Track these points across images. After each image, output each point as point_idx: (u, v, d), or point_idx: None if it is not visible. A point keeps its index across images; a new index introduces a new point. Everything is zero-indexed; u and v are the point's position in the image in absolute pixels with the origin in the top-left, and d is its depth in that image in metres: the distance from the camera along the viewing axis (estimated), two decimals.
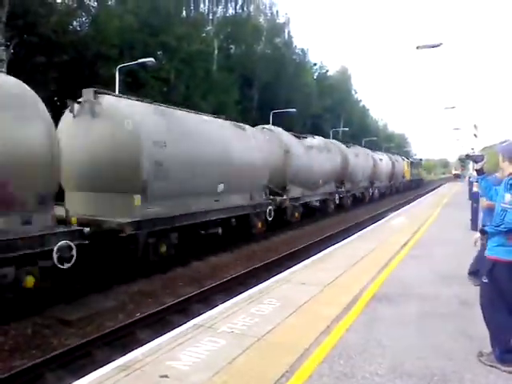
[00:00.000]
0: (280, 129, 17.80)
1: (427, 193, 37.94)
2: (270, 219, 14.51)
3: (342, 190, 23.36)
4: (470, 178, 23.44)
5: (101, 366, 4.05)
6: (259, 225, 13.97)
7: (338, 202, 22.42)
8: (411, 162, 53.13)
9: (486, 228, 3.97)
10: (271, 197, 15.15)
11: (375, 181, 31.63)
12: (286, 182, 16.41)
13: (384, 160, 35.15)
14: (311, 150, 18.95)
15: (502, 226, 3.82)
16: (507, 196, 3.88)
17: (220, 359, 4.01)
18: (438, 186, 52.26)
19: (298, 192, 17.36)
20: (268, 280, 7.16)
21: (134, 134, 9.13)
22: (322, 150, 20.36)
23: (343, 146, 25.27)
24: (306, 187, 18.09)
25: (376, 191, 31.92)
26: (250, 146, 13.65)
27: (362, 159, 27.76)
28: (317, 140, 20.96)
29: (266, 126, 17.58)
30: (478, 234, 4.32)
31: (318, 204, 19.88)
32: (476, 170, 4.76)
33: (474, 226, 12.76)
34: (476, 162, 4.78)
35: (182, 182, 10.15)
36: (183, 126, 10.75)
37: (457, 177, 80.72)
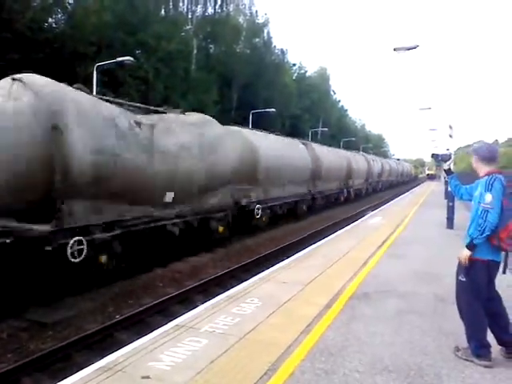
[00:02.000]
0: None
1: (405, 191, 38.57)
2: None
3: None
4: (445, 177, 23.91)
5: (81, 369, 4.00)
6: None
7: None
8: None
9: (475, 241, 3.94)
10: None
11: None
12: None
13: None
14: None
15: (487, 229, 3.88)
16: (488, 196, 3.95)
17: (202, 359, 4.01)
18: (416, 186, 53.34)
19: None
20: (249, 279, 7.18)
21: None
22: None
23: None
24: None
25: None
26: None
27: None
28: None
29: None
30: (466, 252, 4.01)
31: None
32: (444, 170, 4.90)
33: (450, 224, 13.09)
34: (444, 161, 4.92)
35: None
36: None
37: (431, 177, 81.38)
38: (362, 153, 41.11)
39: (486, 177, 4.05)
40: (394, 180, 55.43)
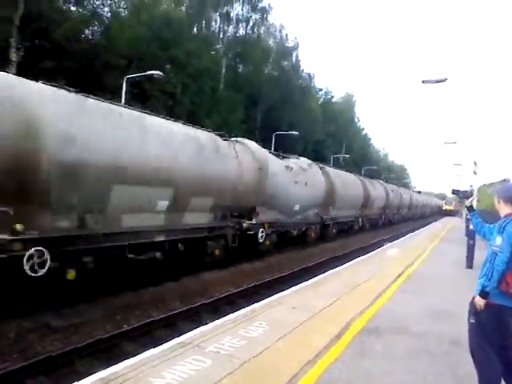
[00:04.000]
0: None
1: (423, 226, 37.94)
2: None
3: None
4: (467, 214, 23.45)
5: (83, 377, 3.97)
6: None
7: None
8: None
9: (487, 289, 3.82)
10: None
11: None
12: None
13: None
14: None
15: (495, 273, 3.77)
16: (498, 239, 3.87)
17: (205, 380, 3.94)
18: (434, 221, 52.23)
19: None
20: (259, 302, 7.09)
21: None
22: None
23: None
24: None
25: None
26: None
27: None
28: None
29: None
30: (481, 301, 3.86)
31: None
32: (466, 207, 4.79)
33: (470, 264, 12.74)
34: (466, 198, 4.82)
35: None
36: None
37: (448, 214, 71.74)
38: (381, 181, 39.23)
39: (504, 219, 3.95)
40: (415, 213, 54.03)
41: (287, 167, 15.75)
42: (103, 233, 7.97)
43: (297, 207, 16.48)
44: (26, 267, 6.67)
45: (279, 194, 14.61)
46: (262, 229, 13.93)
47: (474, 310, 3.95)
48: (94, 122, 7.67)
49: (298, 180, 16.22)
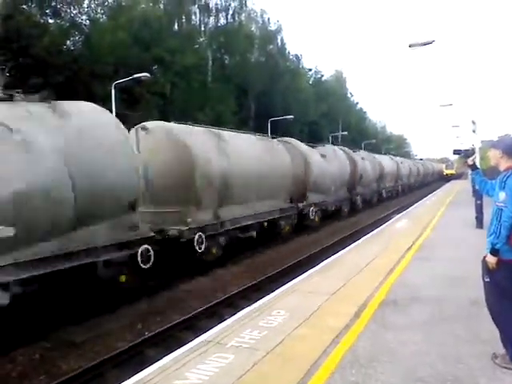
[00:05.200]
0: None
1: (432, 192, 37.86)
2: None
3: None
4: (471, 174, 23.34)
5: None
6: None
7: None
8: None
9: (497, 246, 3.77)
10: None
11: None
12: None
13: None
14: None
15: (503, 230, 3.73)
16: (501, 194, 3.82)
17: (229, 375, 3.94)
18: (442, 185, 51.66)
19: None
20: (274, 291, 7.09)
21: None
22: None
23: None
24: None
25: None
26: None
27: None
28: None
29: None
30: (492, 258, 3.83)
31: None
32: (469, 166, 4.71)
33: (479, 224, 12.70)
34: (467, 156, 4.74)
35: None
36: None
37: (450, 177, 64.40)
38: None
39: (504, 173, 3.89)
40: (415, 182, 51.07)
41: (323, 156, 19.37)
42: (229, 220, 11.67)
43: (333, 188, 20.00)
44: (196, 247, 10.02)
45: (320, 179, 18.10)
46: (312, 208, 17.24)
47: (486, 269, 3.94)
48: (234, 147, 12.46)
49: (331, 165, 19.88)
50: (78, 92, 21.75)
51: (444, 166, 77.00)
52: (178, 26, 36.53)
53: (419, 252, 9.63)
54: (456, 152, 17.02)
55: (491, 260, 3.84)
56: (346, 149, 25.37)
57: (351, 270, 8.06)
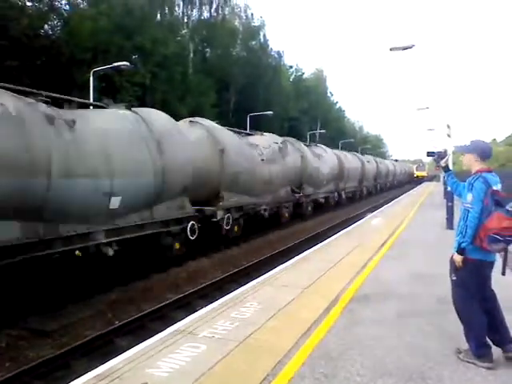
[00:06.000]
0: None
1: (403, 193, 38.53)
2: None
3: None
4: (444, 176, 23.89)
5: (79, 376, 3.95)
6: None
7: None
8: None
9: (463, 245, 3.92)
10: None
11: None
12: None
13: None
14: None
15: (469, 230, 3.87)
16: (469, 196, 3.96)
17: (201, 365, 3.96)
18: (412, 188, 52.09)
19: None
20: (249, 283, 7.14)
21: None
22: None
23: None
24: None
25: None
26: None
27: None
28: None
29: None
30: (458, 257, 3.99)
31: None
32: (441, 167, 4.83)
33: (450, 225, 13.04)
34: (441, 158, 4.86)
35: None
36: None
37: (421, 180, 62.72)
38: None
39: (473, 175, 4.02)
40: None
41: (317, 154, 22.33)
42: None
43: (324, 182, 22.93)
44: (223, 225, 12.50)
45: (314, 173, 20.94)
46: (306, 199, 19.98)
47: (454, 268, 4.07)
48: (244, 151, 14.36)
49: (323, 162, 22.64)
50: (56, 77, 21.28)
51: (414, 167, 72.31)
52: (160, 16, 36.04)
53: (390, 250, 9.83)
54: (429, 154, 17.37)
55: (458, 259, 3.99)
56: (336, 150, 28.32)
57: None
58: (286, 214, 17.93)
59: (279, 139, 17.98)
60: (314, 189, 21.34)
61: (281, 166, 16.89)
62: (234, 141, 14.03)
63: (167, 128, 10.23)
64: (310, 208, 20.98)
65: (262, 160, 15.31)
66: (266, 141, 16.81)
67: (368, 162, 37.25)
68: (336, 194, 26.03)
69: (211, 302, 6.28)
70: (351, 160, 30.80)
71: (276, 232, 16.55)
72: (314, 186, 21.30)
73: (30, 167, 6.70)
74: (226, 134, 13.79)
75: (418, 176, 66.68)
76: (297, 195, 18.98)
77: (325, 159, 23.47)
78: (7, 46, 19.49)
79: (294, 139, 20.85)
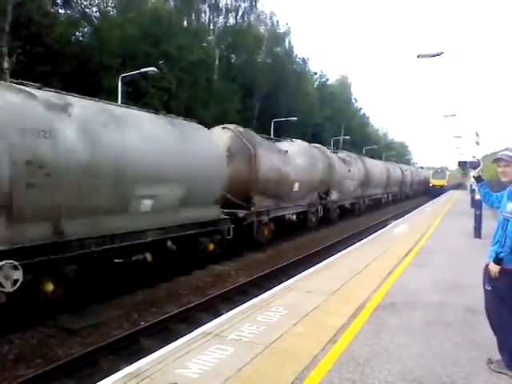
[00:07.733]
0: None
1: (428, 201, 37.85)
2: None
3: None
4: (471, 185, 23.46)
5: (108, 375, 4.04)
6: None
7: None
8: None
9: (501, 255, 3.85)
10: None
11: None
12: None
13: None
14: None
15: (508, 240, 3.79)
16: (509, 205, 3.88)
17: (229, 367, 4.01)
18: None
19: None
20: (274, 288, 7.15)
21: None
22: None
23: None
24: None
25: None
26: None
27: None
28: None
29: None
30: (495, 267, 3.89)
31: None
32: (474, 177, 4.75)
33: (478, 234, 12.78)
34: (473, 168, 4.77)
35: None
36: None
37: (439, 190, 49.46)
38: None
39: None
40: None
41: (343, 160, 23.09)
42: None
43: (351, 188, 23.85)
44: (254, 229, 13.15)
45: (341, 180, 21.71)
46: (332, 205, 20.74)
47: (488, 277, 4.00)
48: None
49: (350, 169, 23.38)
50: (86, 83, 21.81)
51: (431, 173, 55.34)
52: (187, 23, 36.59)
53: (416, 258, 9.70)
54: (461, 164, 17.02)
55: (494, 269, 3.91)
56: (362, 156, 29.65)
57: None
58: (313, 219, 18.41)
59: (308, 146, 18.44)
60: (341, 195, 21.97)
61: (309, 172, 17.24)
62: (266, 147, 14.33)
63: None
64: (336, 214, 21.60)
65: (292, 166, 15.51)
66: (296, 147, 17.13)
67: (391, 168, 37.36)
68: (361, 200, 26.66)
69: (236, 306, 6.32)
70: (376, 167, 31.30)
71: (302, 236, 16.73)
72: (341, 193, 21.93)
73: None
74: (258, 140, 14.10)
75: (434, 185, 51.63)
76: (324, 201, 19.56)
77: (351, 166, 24.07)
78: (42, 52, 20.08)
79: (322, 146, 21.37)
